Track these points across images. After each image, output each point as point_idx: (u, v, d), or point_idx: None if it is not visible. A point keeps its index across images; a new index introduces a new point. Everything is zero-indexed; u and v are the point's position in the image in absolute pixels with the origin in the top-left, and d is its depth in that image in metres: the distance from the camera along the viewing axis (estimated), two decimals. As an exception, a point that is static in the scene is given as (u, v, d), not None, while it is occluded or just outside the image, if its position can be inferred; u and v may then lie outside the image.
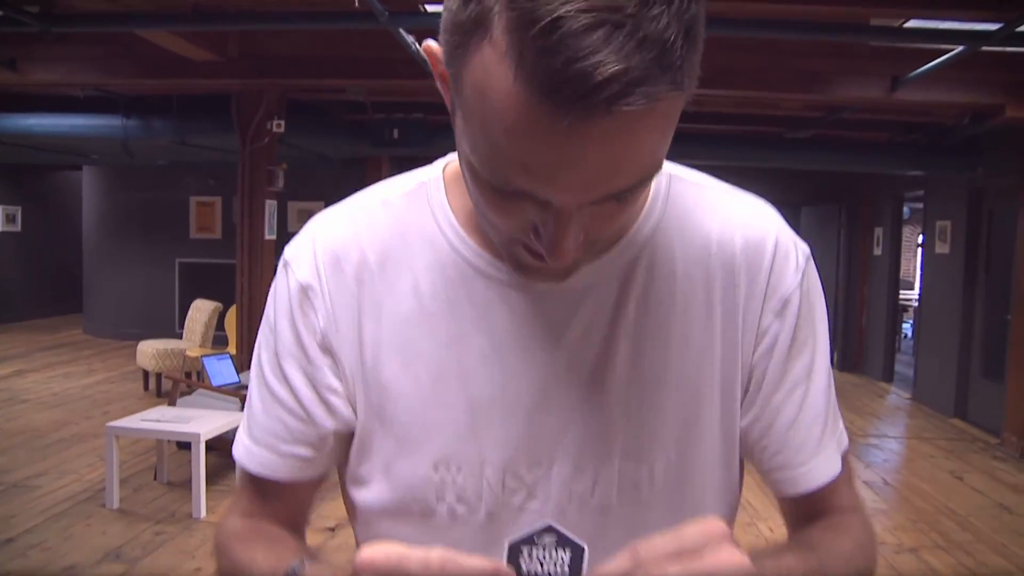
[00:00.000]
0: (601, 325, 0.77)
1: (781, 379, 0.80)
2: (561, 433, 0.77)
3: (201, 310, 8.12)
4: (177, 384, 5.68)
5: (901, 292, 10.68)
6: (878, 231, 10.13)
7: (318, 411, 0.80)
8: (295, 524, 0.87)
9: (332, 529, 4.44)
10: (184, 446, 5.29)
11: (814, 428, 0.81)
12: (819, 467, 0.82)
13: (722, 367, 0.78)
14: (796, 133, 7.86)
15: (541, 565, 0.61)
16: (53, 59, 6.04)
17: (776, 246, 0.79)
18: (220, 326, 8.11)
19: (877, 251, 10.15)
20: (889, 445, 7.06)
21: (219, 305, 8.08)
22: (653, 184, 0.78)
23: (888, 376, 9.92)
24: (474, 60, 0.57)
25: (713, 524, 0.60)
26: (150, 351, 7.63)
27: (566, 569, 0.61)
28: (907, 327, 12.72)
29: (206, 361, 5.69)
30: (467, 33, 0.57)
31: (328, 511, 4.70)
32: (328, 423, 0.80)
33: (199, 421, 4.68)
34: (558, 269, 0.69)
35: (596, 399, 0.77)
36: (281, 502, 0.85)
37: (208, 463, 4.58)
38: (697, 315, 0.78)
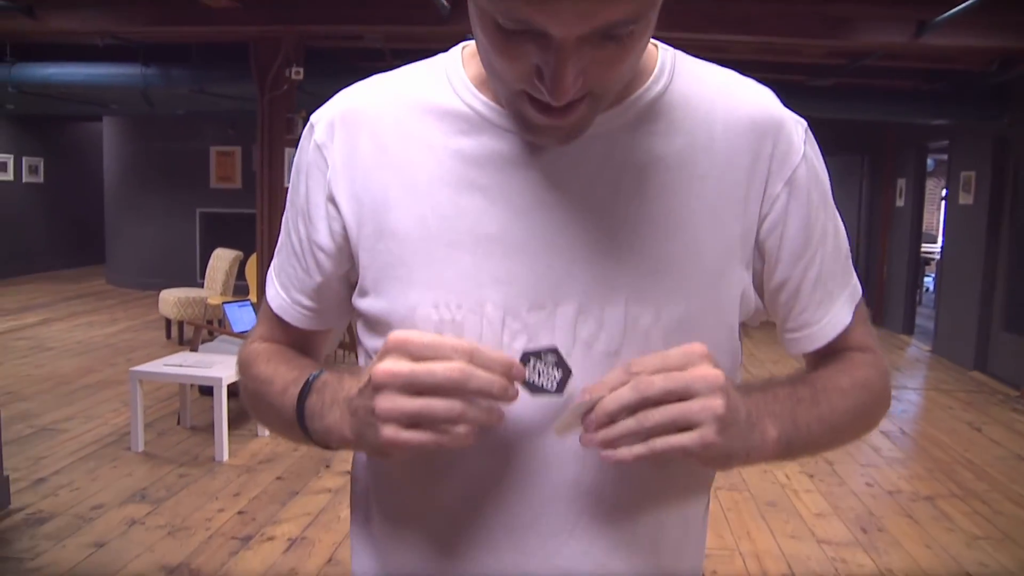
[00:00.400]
0: (609, 172, 0.78)
1: (805, 244, 0.84)
2: (567, 275, 0.77)
3: (222, 259, 8.18)
4: (199, 330, 5.74)
5: (923, 245, 10.58)
6: (901, 182, 10.01)
7: (312, 263, 0.87)
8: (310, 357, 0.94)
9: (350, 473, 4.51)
10: (206, 392, 5.37)
11: (830, 285, 0.87)
12: (832, 321, 0.89)
13: (730, 227, 0.81)
14: (818, 81, 7.73)
15: (538, 376, 0.72)
16: (71, 6, 6.03)
17: (781, 119, 0.83)
18: (241, 275, 8.17)
19: (900, 202, 10.04)
20: (908, 396, 7.06)
21: (240, 254, 8.14)
22: (660, 56, 0.83)
23: (909, 329, 9.87)
24: None
25: (695, 346, 0.71)
26: (172, 299, 7.71)
27: (555, 385, 0.72)
28: (929, 281, 12.63)
29: (227, 308, 5.74)
30: None
31: (348, 454, 4.76)
32: (317, 276, 0.87)
33: (221, 366, 4.74)
34: (563, 128, 0.72)
35: (603, 242, 0.78)
36: (294, 339, 0.94)
37: (230, 408, 4.64)
38: (705, 174, 0.80)
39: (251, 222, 7.99)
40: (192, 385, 5.15)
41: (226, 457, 4.61)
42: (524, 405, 0.74)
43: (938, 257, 10.79)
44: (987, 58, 6.59)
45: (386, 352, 0.71)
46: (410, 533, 0.87)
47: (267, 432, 5.06)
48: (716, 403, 0.69)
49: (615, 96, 0.77)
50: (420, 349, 0.70)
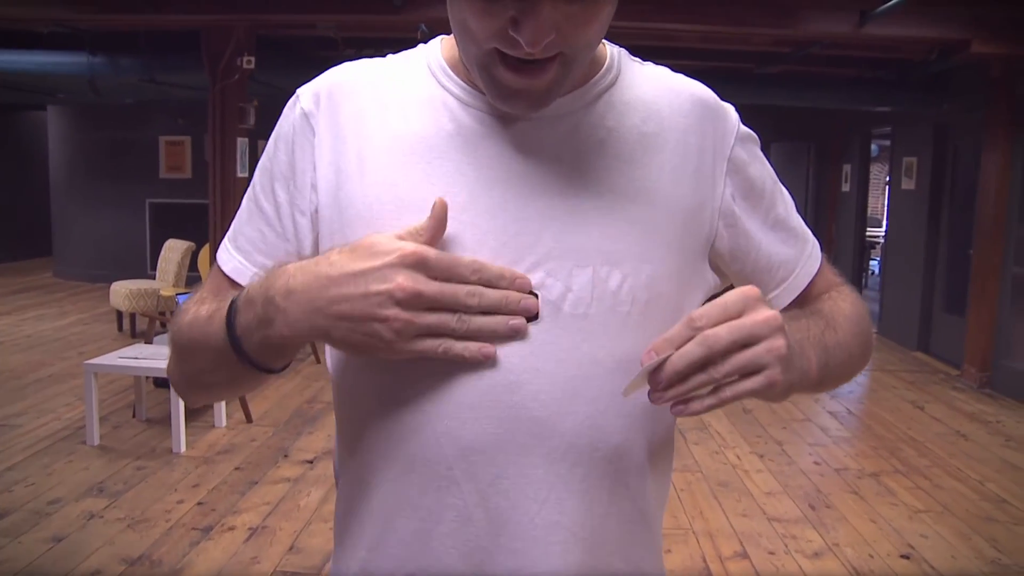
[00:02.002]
0: (574, 145, 0.84)
1: (761, 199, 0.93)
2: (535, 241, 0.81)
3: (174, 250, 8.10)
4: (153, 322, 5.71)
5: (868, 229, 10.83)
6: (846, 168, 10.24)
7: (290, 228, 0.89)
8: None
9: (311, 461, 4.54)
10: (161, 384, 5.35)
11: (796, 228, 0.97)
12: (804, 268, 0.97)
13: (687, 197, 0.86)
14: (765, 69, 7.88)
15: None
16: (15, -8, 5.91)
17: (716, 102, 0.92)
18: (193, 266, 8.10)
19: (845, 187, 10.27)
20: (855, 377, 7.24)
21: (192, 245, 8.06)
22: (608, 49, 0.90)
23: (854, 311, 10.09)
24: None
25: (749, 289, 0.75)
26: (123, 291, 7.62)
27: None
28: (874, 264, 12.93)
29: (181, 299, 5.71)
30: None
31: (306, 444, 4.80)
32: (292, 241, 0.89)
33: (177, 358, 4.72)
34: (534, 91, 0.77)
35: (570, 209, 0.82)
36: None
37: (187, 399, 4.63)
38: (660, 148, 0.86)
39: (202, 212, 7.91)
40: (147, 377, 5.12)
41: (183, 449, 4.61)
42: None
43: (883, 241, 11.06)
44: (927, 48, 6.78)
45: (401, 263, 0.73)
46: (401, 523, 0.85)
47: (224, 423, 5.06)
48: (779, 343, 0.74)
49: (575, 80, 0.83)
50: (438, 267, 0.75)
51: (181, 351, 0.91)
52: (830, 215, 10.60)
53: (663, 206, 0.85)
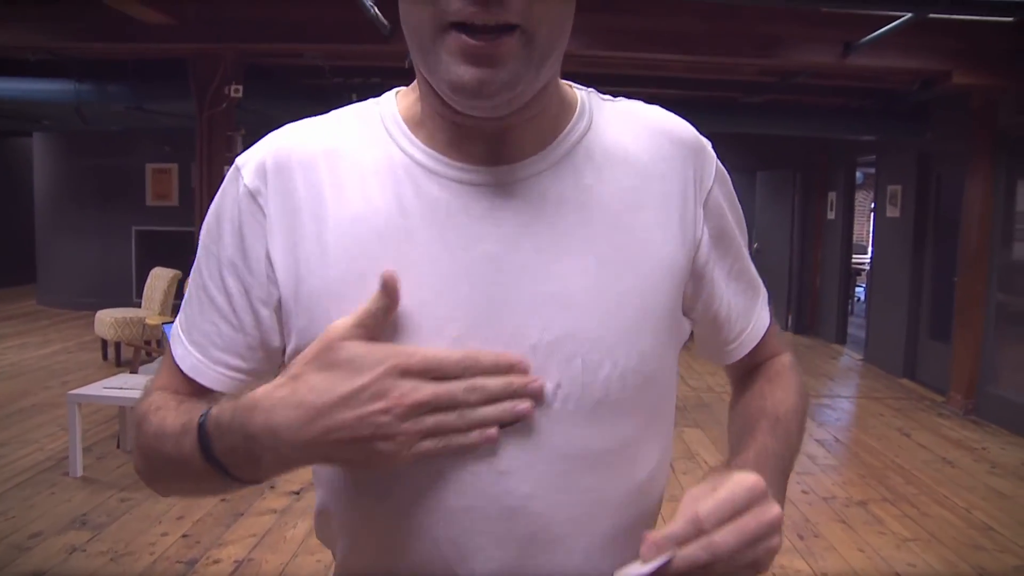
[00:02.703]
0: (554, 210, 0.78)
1: (728, 252, 0.90)
2: (519, 333, 0.75)
3: (160, 278, 8.06)
4: (139, 352, 5.67)
5: (854, 256, 10.90)
6: (832, 195, 10.32)
7: (249, 320, 0.81)
8: None
9: (297, 492, 4.50)
10: (146, 413, 5.30)
11: (752, 286, 0.94)
12: (759, 321, 0.96)
13: (673, 256, 0.82)
14: (751, 98, 7.96)
15: None
16: (1, 20, 5.91)
17: (696, 141, 0.87)
18: (180, 294, 8.06)
19: (831, 215, 10.34)
20: (841, 404, 7.27)
21: (178, 273, 8.03)
22: (579, 95, 0.85)
23: (841, 338, 10.16)
24: None
25: (754, 480, 0.71)
26: (109, 320, 7.57)
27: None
28: (860, 291, 13.00)
29: (167, 328, 5.67)
30: None
31: (292, 475, 4.74)
32: (254, 333, 0.81)
33: (162, 388, 4.69)
34: (492, 82, 0.69)
35: (553, 294, 0.76)
36: (198, 390, 0.85)
37: (172, 429, 4.59)
38: (642, 205, 0.81)
39: (188, 240, 7.88)
40: (132, 407, 5.07)
41: (168, 480, 4.55)
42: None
43: (868, 267, 11.13)
44: (910, 78, 6.86)
45: (391, 375, 0.69)
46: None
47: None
48: (776, 543, 0.71)
49: (548, 134, 0.79)
50: (428, 369, 0.70)
51: (151, 461, 0.83)
52: (816, 242, 10.67)
53: (652, 273, 0.80)
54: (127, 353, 7.62)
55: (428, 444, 0.70)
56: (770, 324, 0.98)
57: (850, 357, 9.42)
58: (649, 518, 0.87)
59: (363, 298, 0.73)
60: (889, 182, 8.67)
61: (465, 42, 0.68)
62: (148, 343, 7.58)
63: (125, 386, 4.75)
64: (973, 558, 3.93)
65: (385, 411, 0.68)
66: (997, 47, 5.90)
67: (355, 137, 0.81)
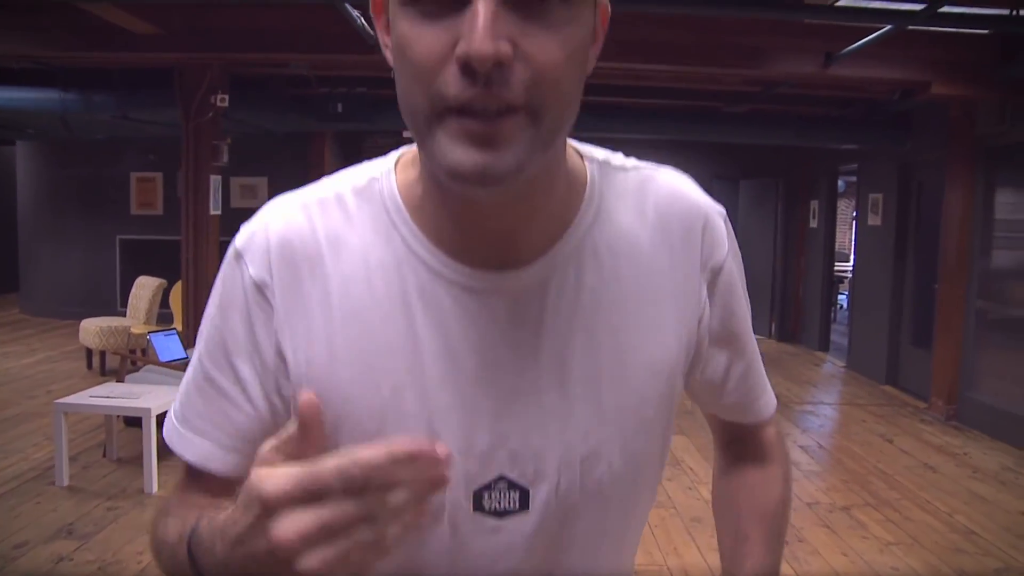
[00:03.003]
0: (557, 322, 0.77)
1: (730, 338, 0.88)
2: (523, 442, 0.77)
3: (145, 287, 8.05)
4: (125, 360, 5.66)
5: (836, 264, 11.00)
6: (814, 204, 10.42)
7: (263, 406, 0.78)
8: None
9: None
10: (132, 423, 5.30)
11: (760, 367, 0.94)
12: (770, 400, 0.97)
13: (675, 346, 0.81)
14: (734, 107, 8.04)
15: (499, 504, 0.77)
16: (-14, 29, 5.92)
17: (706, 219, 0.83)
18: (164, 303, 8.06)
19: (813, 224, 10.44)
20: (824, 411, 7.34)
21: (163, 282, 8.02)
22: (588, 173, 0.81)
23: (824, 345, 10.24)
24: None
25: None
26: (94, 329, 7.55)
27: (517, 504, 0.77)
28: (843, 298, 13.10)
29: (153, 337, 5.68)
30: None
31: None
32: (269, 418, 0.78)
33: (149, 396, 4.69)
34: (497, 169, 0.64)
35: (554, 398, 0.77)
36: (215, 483, 0.79)
37: (159, 438, 4.60)
38: (648, 297, 0.80)
39: (173, 248, 7.87)
40: (118, 416, 5.08)
41: (155, 488, 4.55)
42: (491, 533, 0.77)
43: (850, 275, 11.23)
44: (890, 88, 6.95)
45: (266, 513, 0.54)
46: None
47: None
48: None
49: (554, 227, 0.77)
50: (306, 493, 0.54)
51: (162, 563, 0.77)
52: (798, 250, 10.76)
53: (653, 373, 0.80)
54: (112, 362, 7.60)
55: (324, 555, 0.53)
56: (766, 418, 0.98)
57: (833, 364, 9.50)
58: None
59: (373, 403, 0.74)
60: (871, 190, 8.76)
61: (466, 125, 0.63)
62: (133, 351, 7.56)
63: (112, 395, 4.75)
64: (955, 561, 3.99)
65: (270, 552, 0.54)
66: (975, 58, 6.00)
67: (358, 224, 0.78)
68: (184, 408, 0.81)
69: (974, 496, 4.97)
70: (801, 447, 5.94)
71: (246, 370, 0.77)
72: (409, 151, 0.81)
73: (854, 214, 11.32)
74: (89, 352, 7.78)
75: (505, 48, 0.60)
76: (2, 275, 12.69)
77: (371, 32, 5.57)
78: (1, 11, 5.57)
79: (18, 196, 11.49)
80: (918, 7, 4.63)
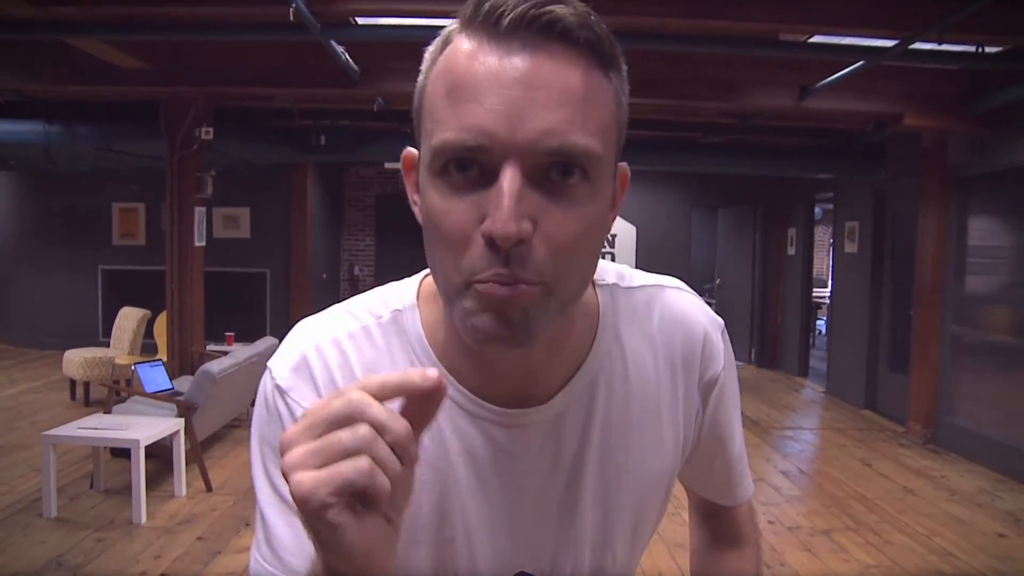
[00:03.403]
0: (572, 446, 0.85)
1: (730, 431, 0.98)
2: (539, 544, 0.86)
3: (129, 318, 8.06)
4: (112, 392, 5.67)
5: (815, 290, 11.16)
6: (791, 231, 10.58)
7: None
8: None
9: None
10: (119, 453, 5.31)
11: (743, 459, 1.03)
12: (747, 486, 1.06)
13: (673, 452, 0.91)
14: (711, 138, 8.19)
15: None
16: (-29, 63, 5.96)
17: (705, 336, 0.91)
18: (148, 333, 8.06)
19: (791, 251, 10.60)
20: (804, 436, 7.43)
21: (147, 312, 8.04)
22: (600, 302, 0.88)
23: (803, 371, 10.37)
24: (437, 64, 0.72)
25: None
26: (77, 360, 7.54)
27: None
28: (821, 324, 13.26)
29: (139, 368, 5.70)
30: (433, 59, 0.73)
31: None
32: None
33: (137, 428, 4.72)
34: (516, 336, 0.69)
35: (569, 510, 0.87)
36: None
37: (147, 468, 4.62)
38: (651, 417, 0.89)
39: (155, 279, 7.90)
40: (104, 447, 5.09)
41: (144, 519, 4.57)
42: None
43: (828, 301, 11.39)
44: (864, 119, 7.12)
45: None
46: None
47: (184, 492, 5.04)
48: None
49: (571, 362, 0.84)
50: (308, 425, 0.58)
51: None
52: (777, 278, 10.91)
53: (655, 482, 0.90)
54: (96, 393, 7.59)
55: (323, 474, 0.56)
56: (743, 504, 1.07)
57: (812, 389, 9.62)
58: None
59: (413, 521, 0.82)
60: (847, 218, 8.92)
61: (487, 291, 0.68)
62: (116, 382, 7.55)
63: (100, 426, 4.76)
64: (933, 583, 4.07)
65: (298, 503, 0.58)
66: (945, 92, 6.18)
67: (388, 359, 0.83)
68: (272, 543, 0.80)
69: (952, 518, 5.06)
70: (782, 472, 6.03)
71: None
72: (429, 283, 0.86)
73: (831, 240, 11.49)
74: (73, 383, 7.76)
75: (527, 227, 0.66)
76: (-18, 306, 12.61)
77: (355, 68, 5.68)
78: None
79: (-1, 226, 11.46)
80: (890, 43, 4.79)
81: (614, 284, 0.90)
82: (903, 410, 7.43)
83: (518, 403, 0.83)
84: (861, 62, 5.14)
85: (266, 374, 0.84)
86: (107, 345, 8.36)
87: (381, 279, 12.36)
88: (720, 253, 12.01)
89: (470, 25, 0.69)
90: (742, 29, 5.01)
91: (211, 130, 6.76)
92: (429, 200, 0.70)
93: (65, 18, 4.82)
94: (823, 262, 15.42)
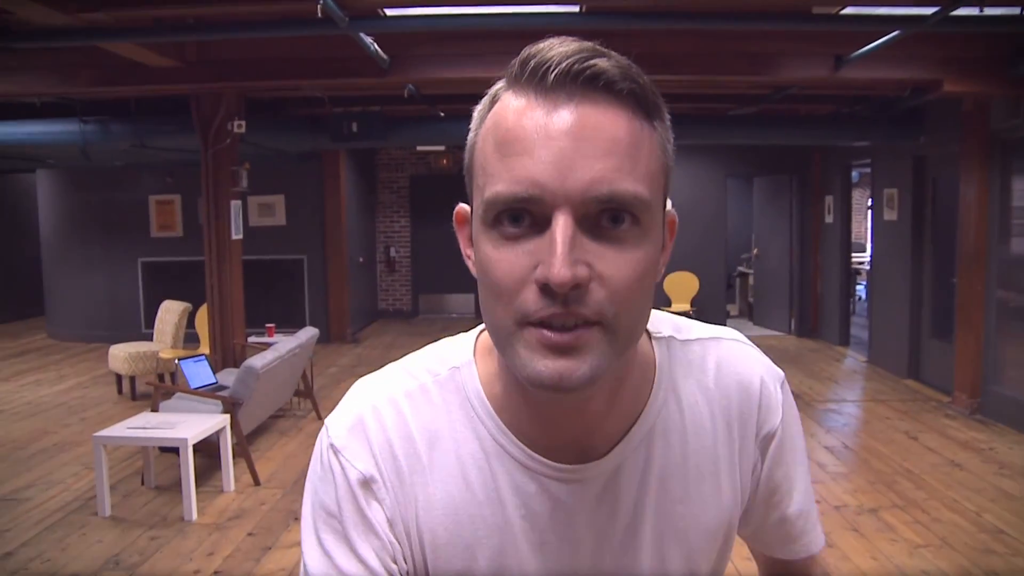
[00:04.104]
0: (630, 500, 0.85)
1: (788, 485, 0.95)
2: None
3: (171, 311, 8.17)
4: (158, 390, 5.76)
5: (853, 254, 11.01)
6: (829, 199, 10.43)
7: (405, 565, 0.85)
8: None
9: None
10: (168, 449, 5.40)
11: (809, 513, 0.99)
12: (818, 536, 1.01)
13: (730, 504, 0.90)
14: (744, 109, 8.08)
15: None
16: (9, 70, 6.03)
17: (763, 390, 0.91)
18: (190, 325, 8.17)
19: (829, 219, 10.45)
20: (848, 409, 7.37)
21: (188, 305, 8.14)
22: (656, 356, 0.88)
23: (844, 340, 10.26)
24: (486, 121, 0.75)
25: None
26: (122, 355, 7.67)
27: None
28: (861, 289, 13.11)
29: (183, 364, 5.78)
30: (482, 118, 0.76)
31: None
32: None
33: (184, 426, 4.80)
34: (575, 376, 0.70)
35: (627, 563, 0.86)
36: None
37: (196, 465, 4.70)
38: (708, 468, 0.88)
39: (194, 269, 8.01)
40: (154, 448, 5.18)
41: (195, 516, 4.66)
42: None
43: (867, 267, 11.24)
44: (901, 86, 6.97)
45: None
46: None
47: (232, 487, 5.13)
48: None
49: (627, 416, 0.84)
50: None
51: None
52: (815, 246, 10.77)
53: (712, 533, 0.89)
54: (142, 386, 7.72)
55: None
56: (821, 551, 1.03)
57: (854, 359, 9.53)
58: None
59: None
60: (885, 185, 8.78)
61: (544, 336, 0.69)
62: (161, 377, 7.68)
63: (148, 426, 4.85)
64: (985, 562, 4.03)
65: None
66: (986, 56, 6.02)
67: (446, 418, 0.85)
68: None
69: (1002, 493, 5.01)
70: (826, 448, 5.99)
71: (369, 554, 0.81)
72: (485, 338, 0.87)
73: (869, 203, 11.32)
74: (119, 377, 7.91)
75: (583, 272, 0.68)
76: (28, 300, 12.88)
77: (384, 57, 5.66)
78: (23, 54, 5.67)
79: (40, 222, 11.66)
80: (928, 11, 4.67)
81: (670, 337, 0.90)
82: (948, 379, 7.34)
83: (576, 458, 0.83)
84: (898, 31, 5.02)
85: (323, 431, 0.86)
86: (150, 337, 8.48)
87: (417, 260, 12.48)
88: (756, 222, 11.88)
89: (517, 82, 0.72)
90: (774, 4, 4.92)
91: (243, 123, 6.80)
92: (483, 251, 0.72)
93: (98, 24, 4.86)
94: (861, 226, 15.20)
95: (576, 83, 0.69)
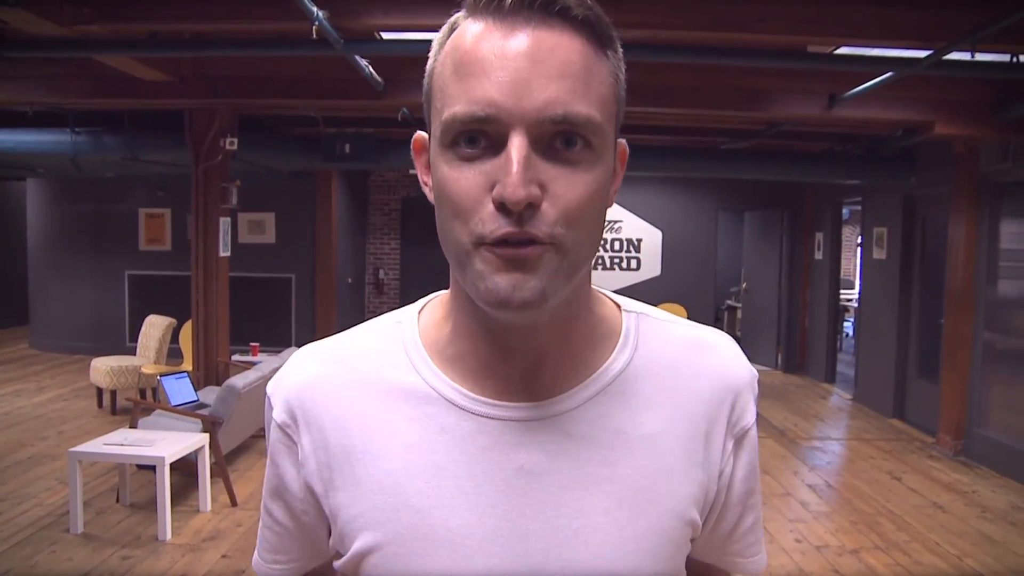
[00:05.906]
0: (577, 456, 0.81)
1: (748, 493, 0.92)
2: (539, 568, 0.80)
3: (155, 326, 8.11)
4: (138, 406, 5.70)
5: (841, 291, 11.03)
6: (819, 235, 10.46)
7: (320, 536, 0.89)
8: None
9: None
10: (144, 467, 5.33)
11: (759, 527, 0.96)
12: (763, 558, 0.97)
13: (690, 490, 0.84)
14: (736, 143, 8.11)
15: None
16: (2, 78, 6.00)
17: (739, 385, 0.88)
18: (174, 340, 8.11)
19: (818, 255, 10.48)
20: (832, 447, 7.35)
21: (173, 321, 8.08)
22: (624, 322, 0.88)
23: (831, 377, 10.25)
24: (445, 47, 0.77)
25: None
26: (104, 368, 7.59)
27: None
28: (848, 326, 13.12)
29: (164, 381, 5.72)
30: (440, 44, 0.78)
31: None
32: (325, 548, 0.90)
33: (162, 444, 4.74)
34: (529, 295, 0.72)
35: (576, 532, 0.80)
36: None
37: (172, 484, 4.63)
38: (670, 448, 0.84)
39: (182, 284, 7.95)
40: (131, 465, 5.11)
41: (169, 536, 4.59)
42: None
43: (855, 304, 11.25)
44: (893, 126, 7.02)
45: None
46: None
47: (209, 507, 5.06)
48: None
49: (582, 367, 0.83)
50: None
51: None
52: (804, 282, 10.79)
53: (668, 518, 0.83)
54: (122, 401, 7.64)
55: None
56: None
57: (840, 396, 9.51)
58: None
59: (395, 528, 0.80)
60: (875, 224, 8.81)
61: (499, 252, 0.71)
62: (143, 392, 7.60)
63: (125, 442, 4.79)
64: (965, 608, 4.00)
65: None
66: (977, 98, 6.07)
67: (379, 368, 0.86)
68: (261, 548, 0.95)
69: (983, 537, 4.98)
70: (809, 486, 5.96)
71: (276, 507, 0.90)
72: (435, 298, 0.91)
73: (859, 240, 11.35)
74: (100, 391, 7.82)
75: (536, 191, 0.70)
76: (12, 309, 12.78)
77: (379, 80, 5.66)
78: (15, 63, 5.64)
79: (28, 231, 11.59)
80: (921, 54, 4.70)
81: (642, 313, 0.90)
82: (933, 420, 7.33)
83: (518, 400, 0.82)
84: (891, 73, 5.05)
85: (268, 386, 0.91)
86: (133, 351, 8.41)
87: (407, 283, 12.44)
88: (746, 257, 11.90)
89: (475, 8, 0.75)
90: (769, 41, 4.93)
91: (235, 141, 6.79)
92: (440, 172, 0.75)
93: (93, 36, 4.83)
94: (850, 262, 15.25)
95: (532, 8, 0.72)
